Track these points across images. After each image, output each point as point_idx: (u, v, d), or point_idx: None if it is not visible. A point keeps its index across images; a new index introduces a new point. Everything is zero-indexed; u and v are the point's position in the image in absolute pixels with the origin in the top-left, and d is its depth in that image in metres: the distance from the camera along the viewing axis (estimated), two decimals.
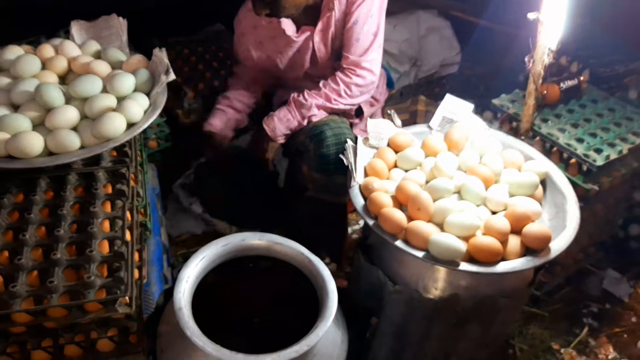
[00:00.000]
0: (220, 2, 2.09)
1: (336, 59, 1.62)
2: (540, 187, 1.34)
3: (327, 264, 1.76)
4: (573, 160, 1.49)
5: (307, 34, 1.59)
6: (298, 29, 1.60)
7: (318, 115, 1.56)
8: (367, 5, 1.53)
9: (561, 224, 1.25)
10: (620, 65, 1.95)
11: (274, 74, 1.72)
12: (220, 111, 1.72)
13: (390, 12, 2.47)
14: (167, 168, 1.99)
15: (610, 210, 1.71)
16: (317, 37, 1.59)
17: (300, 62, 1.64)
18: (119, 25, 1.55)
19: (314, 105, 1.55)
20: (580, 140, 1.50)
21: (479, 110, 1.81)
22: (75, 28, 1.53)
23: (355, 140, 1.42)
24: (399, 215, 1.19)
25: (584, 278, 1.88)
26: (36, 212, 1.13)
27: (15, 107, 1.27)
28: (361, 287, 1.36)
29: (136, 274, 1.23)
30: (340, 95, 1.56)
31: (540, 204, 1.33)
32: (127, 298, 1.04)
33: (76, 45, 1.46)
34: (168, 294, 1.25)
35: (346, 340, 1.18)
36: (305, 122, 1.57)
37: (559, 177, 1.35)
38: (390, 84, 2.31)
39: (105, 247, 1.11)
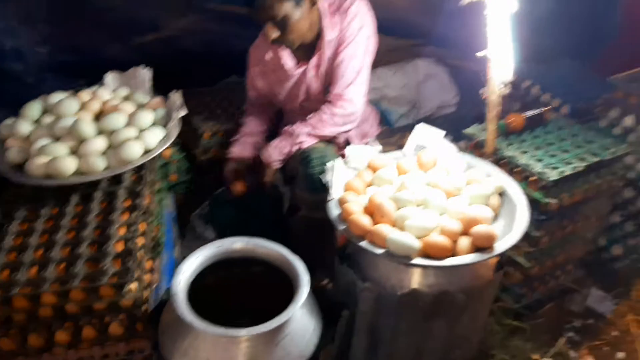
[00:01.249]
0: (235, 58, 2.44)
1: (326, 93, 1.90)
2: (497, 199, 1.52)
3: (325, 284, 1.97)
4: (533, 178, 1.66)
5: (303, 68, 1.88)
6: (296, 64, 1.89)
7: (307, 141, 1.81)
8: (353, 48, 1.81)
9: (511, 229, 1.41)
10: (596, 98, 2.13)
11: (276, 104, 2.01)
12: (238, 140, 2.01)
13: (390, 61, 2.78)
14: (186, 200, 2.27)
15: (584, 228, 1.84)
16: (310, 73, 1.87)
17: (296, 93, 1.92)
18: (144, 74, 1.88)
19: (303, 133, 1.80)
20: (539, 160, 1.68)
21: (460, 141, 2.03)
22: (109, 77, 1.87)
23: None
24: (365, 220, 1.39)
25: (567, 295, 1.98)
26: (67, 220, 1.41)
27: (56, 139, 1.58)
28: (339, 287, 1.55)
29: (148, 278, 1.48)
30: (324, 123, 1.81)
31: (498, 213, 1.51)
32: (133, 286, 1.27)
33: (109, 91, 1.79)
34: None
35: (319, 329, 1.37)
36: (295, 148, 1.81)
37: (513, 190, 1.52)
38: (388, 123, 2.56)
39: (120, 247, 1.36)
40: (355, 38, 1.79)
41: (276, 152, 1.83)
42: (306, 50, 1.86)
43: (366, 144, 2.08)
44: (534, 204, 1.66)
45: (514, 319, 1.88)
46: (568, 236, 1.81)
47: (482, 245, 1.34)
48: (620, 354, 1.81)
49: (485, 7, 1.52)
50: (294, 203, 1.88)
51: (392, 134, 2.39)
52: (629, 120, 1.88)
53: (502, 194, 1.55)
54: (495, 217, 1.49)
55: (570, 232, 1.79)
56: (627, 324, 1.89)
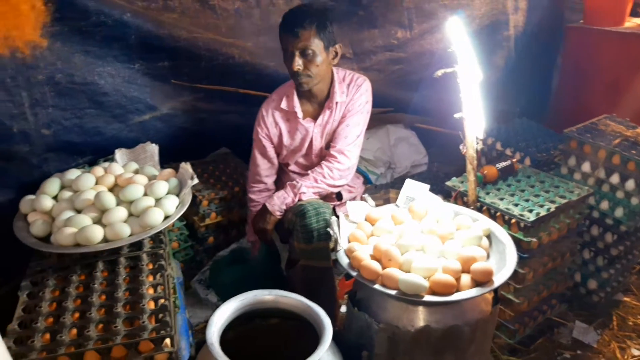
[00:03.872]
0: (225, 132, 2.64)
1: (325, 149, 2.13)
2: (485, 240, 1.71)
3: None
4: (513, 221, 1.87)
5: (311, 124, 2.10)
6: (303, 118, 2.11)
7: (307, 193, 2.00)
8: (358, 117, 2.10)
9: (503, 265, 1.59)
10: (553, 149, 2.43)
11: (279, 154, 2.20)
12: (254, 208, 2.17)
13: None
14: (186, 266, 2.35)
15: (559, 263, 2.05)
16: (316, 129, 2.10)
17: (300, 146, 2.14)
18: (152, 149, 2.02)
19: (304, 186, 2.00)
20: (516, 205, 1.90)
21: (438, 194, 2.25)
22: (119, 154, 2.00)
23: (334, 216, 1.82)
24: (375, 265, 1.55)
25: (554, 329, 2.15)
26: (97, 284, 1.49)
27: (78, 211, 1.67)
28: (353, 331, 1.66)
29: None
30: (324, 177, 2.03)
31: (488, 253, 1.69)
32: (168, 341, 1.35)
33: (119, 166, 1.91)
34: (197, 348, 1.55)
35: None
36: (296, 199, 1.99)
37: (500, 232, 1.72)
38: (369, 182, 2.77)
39: (152, 305, 1.44)
40: (362, 109, 2.10)
41: (279, 201, 2.00)
42: (313, 109, 2.12)
43: (355, 197, 2.28)
44: (516, 244, 1.86)
45: (510, 355, 2.02)
46: (549, 272, 2.01)
47: (481, 280, 1.51)
48: None
49: (456, 77, 1.78)
50: (292, 255, 2.02)
51: (377, 190, 2.60)
52: (586, 167, 2.16)
53: (488, 235, 1.74)
54: (487, 257, 1.68)
55: (550, 268, 1.99)
56: (612, 352, 2.07)
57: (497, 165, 2.06)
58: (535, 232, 1.86)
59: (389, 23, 2.93)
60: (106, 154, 2.23)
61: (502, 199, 1.95)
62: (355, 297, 1.71)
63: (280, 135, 2.16)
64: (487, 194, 2.00)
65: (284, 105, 2.11)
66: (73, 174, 1.82)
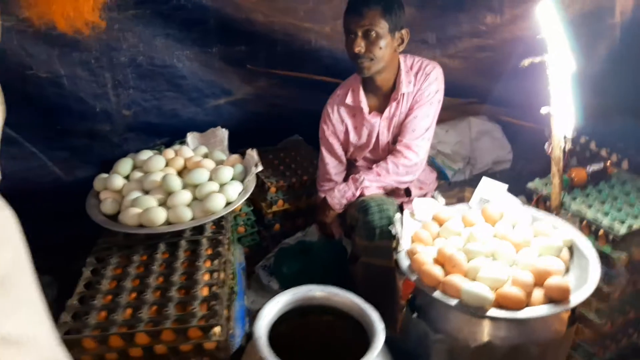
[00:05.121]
0: (298, 119, 2.60)
1: (392, 143, 2.02)
2: (566, 251, 1.54)
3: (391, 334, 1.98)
4: (601, 232, 1.67)
5: (377, 118, 2.00)
6: (369, 113, 2.02)
7: (370, 188, 1.91)
8: (427, 108, 1.96)
9: (584, 282, 1.42)
10: None
11: (346, 151, 2.12)
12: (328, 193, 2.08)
13: (443, 119, 2.88)
14: (252, 252, 2.37)
15: None
16: (383, 123, 2.00)
17: (367, 142, 2.04)
18: (222, 134, 2.04)
19: (366, 180, 1.92)
20: (606, 214, 1.69)
21: (520, 195, 2.07)
22: (190, 137, 2.03)
23: (399, 212, 1.73)
24: (437, 271, 1.44)
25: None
26: (156, 266, 1.52)
27: (146, 192, 1.72)
28: (410, 338, 1.57)
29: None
30: (388, 172, 1.93)
31: (568, 267, 1.52)
32: (218, 329, 1.35)
33: (190, 149, 1.94)
34: (249, 339, 1.54)
35: None
36: (358, 193, 1.92)
37: (583, 244, 1.54)
38: (445, 178, 2.63)
39: (206, 292, 1.45)
40: (431, 99, 1.95)
41: (340, 194, 1.95)
42: (379, 102, 2.01)
43: (425, 194, 2.15)
44: (603, 258, 1.66)
45: None
46: (638, 292, 1.78)
47: (555, 297, 1.36)
48: None
49: (546, 67, 1.61)
50: (354, 251, 1.95)
51: (450, 188, 2.45)
52: None
53: (570, 247, 1.57)
54: (566, 271, 1.51)
55: None
56: None
57: (588, 168, 1.85)
58: (625, 246, 1.65)
59: (477, 7, 2.72)
60: (182, 136, 2.28)
61: (590, 207, 1.75)
62: (415, 301, 1.61)
63: (346, 132, 2.08)
64: (574, 199, 1.80)
65: (349, 100, 2.02)
66: (145, 154, 1.88)
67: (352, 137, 2.07)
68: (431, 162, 2.63)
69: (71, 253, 1.91)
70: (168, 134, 2.32)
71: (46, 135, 2.07)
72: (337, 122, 2.07)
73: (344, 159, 2.14)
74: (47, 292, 1.91)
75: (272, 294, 2.31)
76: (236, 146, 2.46)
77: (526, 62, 1.60)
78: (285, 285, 2.27)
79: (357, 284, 2.01)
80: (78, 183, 2.10)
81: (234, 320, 1.79)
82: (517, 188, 2.15)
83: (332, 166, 2.12)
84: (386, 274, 1.91)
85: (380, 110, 2.02)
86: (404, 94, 1.96)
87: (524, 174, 2.84)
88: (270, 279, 2.33)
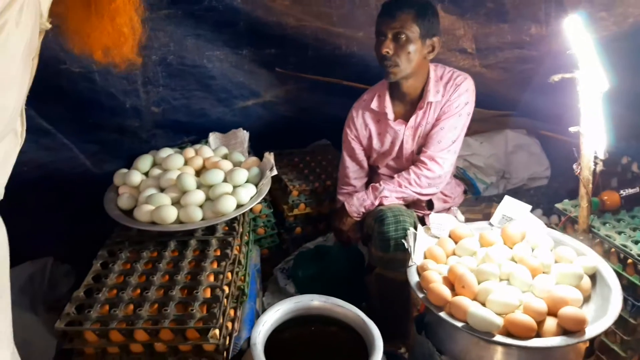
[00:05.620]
0: (326, 123, 2.58)
1: (417, 153, 1.97)
2: (588, 280, 1.44)
3: (402, 353, 1.93)
4: (630, 261, 1.56)
5: (402, 126, 1.95)
6: (394, 120, 1.97)
7: (389, 198, 1.86)
8: (455, 120, 1.89)
9: (604, 313, 1.33)
10: None
11: (369, 157, 2.09)
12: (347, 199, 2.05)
13: (478, 131, 2.79)
14: (271, 253, 2.36)
15: None
16: (407, 132, 1.95)
17: (390, 149, 2.00)
18: (243, 136, 2.04)
19: (386, 189, 1.87)
20: (636, 242, 1.58)
21: (553, 215, 1.97)
22: (212, 137, 2.05)
23: (414, 226, 1.67)
24: (445, 290, 1.38)
25: None
26: (164, 264, 1.53)
27: (162, 190, 1.74)
28: (415, 357, 1.52)
29: (229, 325, 1.55)
30: (410, 183, 1.87)
31: (590, 296, 1.43)
32: (217, 332, 1.34)
33: (210, 149, 1.96)
34: None
35: None
36: (377, 202, 1.87)
37: (608, 272, 1.45)
38: (476, 191, 2.53)
39: (208, 293, 1.45)
40: (460, 111, 1.88)
41: (358, 202, 1.91)
42: (406, 110, 1.96)
43: (449, 208, 2.08)
44: (631, 288, 1.56)
45: None
46: None
47: (570, 328, 1.28)
48: None
49: (577, 84, 1.52)
50: (370, 261, 1.91)
51: (477, 202, 2.36)
52: None
53: (594, 275, 1.47)
54: (587, 300, 1.42)
55: None
56: None
57: (621, 192, 1.73)
58: None
59: (522, 17, 2.61)
60: None
61: (620, 233, 1.64)
62: (423, 318, 1.56)
63: (370, 138, 2.04)
64: (604, 224, 1.70)
65: (374, 105, 1.98)
66: (165, 152, 1.90)
67: (375, 143, 2.03)
68: (462, 175, 2.55)
69: (93, 244, 1.97)
70: (195, 133, 2.35)
71: (78, 128, 2.13)
72: (360, 126, 2.03)
73: (365, 164, 2.10)
74: (65, 281, 1.97)
75: (288, 297, 2.30)
76: (264, 148, 2.46)
77: (556, 77, 1.52)
78: (300, 289, 2.26)
79: (371, 294, 1.97)
80: (106, 176, 2.15)
81: (242, 322, 1.79)
82: (550, 207, 2.05)
83: (352, 170, 2.09)
84: (400, 288, 1.85)
85: (406, 118, 1.97)
86: (431, 103, 1.90)
87: (561, 192, 2.71)
88: (287, 282, 2.32)
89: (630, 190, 1.74)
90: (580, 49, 1.45)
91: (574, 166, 1.60)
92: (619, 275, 1.54)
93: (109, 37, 1.28)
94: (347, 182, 2.11)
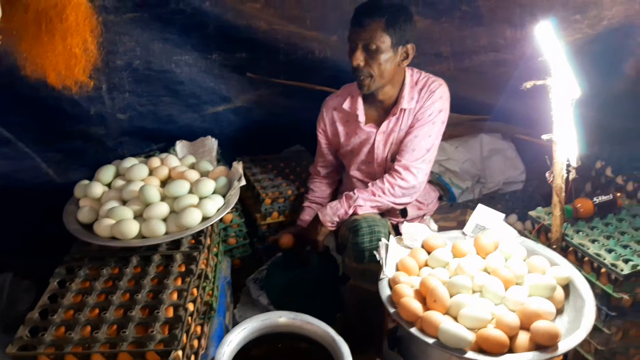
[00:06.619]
0: (300, 128, 2.53)
1: (390, 160, 1.93)
2: (561, 291, 1.42)
3: None
4: (603, 270, 1.54)
5: (373, 130, 1.92)
6: (365, 123, 1.94)
7: (364, 207, 1.82)
8: (429, 127, 1.85)
9: (577, 326, 1.30)
10: None
11: (337, 150, 2.09)
12: (307, 207, 2.12)
13: (453, 135, 2.76)
14: (243, 264, 2.30)
15: None
16: (379, 137, 1.91)
17: (359, 151, 1.97)
18: (211, 144, 1.98)
19: (360, 198, 1.82)
20: (610, 251, 1.56)
21: (526, 220, 1.95)
22: (179, 146, 1.98)
23: (388, 237, 1.62)
24: (416, 305, 1.34)
25: None
26: (125, 281, 1.46)
27: (124, 202, 1.67)
28: None
29: (196, 343, 1.49)
30: (384, 192, 1.83)
31: (563, 307, 1.40)
32: (179, 353, 1.28)
33: (177, 158, 1.89)
34: None
35: None
36: (351, 211, 1.83)
37: (581, 283, 1.42)
38: (452, 197, 2.51)
39: (170, 312, 1.38)
40: (434, 119, 1.85)
41: (332, 212, 1.86)
42: (378, 115, 1.93)
43: (423, 216, 2.04)
44: (604, 298, 1.54)
45: None
46: None
47: (542, 343, 1.25)
48: None
49: (549, 91, 1.49)
50: (344, 271, 1.87)
51: (452, 209, 2.34)
52: None
53: (567, 285, 1.45)
54: (560, 312, 1.39)
55: None
56: None
57: (595, 199, 1.71)
58: (629, 287, 1.52)
59: (497, 20, 2.60)
60: None
61: (594, 242, 1.62)
62: (396, 333, 1.52)
63: (336, 135, 2.04)
64: (577, 232, 1.68)
65: (346, 105, 1.95)
66: (129, 162, 1.83)
67: (343, 140, 2.02)
68: (437, 180, 2.52)
69: (57, 259, 1.89)
70: (164, 140, 2.28)
71: (40, 136, 2.05)
72: (328, 122, 2.05)
73: (329, 157, 2.14)
74: (25, 297, 1.88)
75: (261, 308, 2.24)
76: (236, 154, 2.40)
77: (528, 84, 1.49)
78: (274, 300, 2.20)
79: (346, 305, 1.92)
80: (71, 186, 2.06)
81: (210, 338, 1.73)
82: (524, 213, 2.03)
83: (321, 160, 2.15)
84: (375, 299, 1.81)
85: (378, 122, 1.93)
86: (404, 109, 1.86)
87: (536, 197, 2.71)
88: (260, 293, 2.25)
89: (604, 198, 1.72)
90: (552, 56, 1.42)
91: (547, 174, 1.57)
92: (593, 284, 1.52)
93: (59, 58, 1.21)
94: (315, 170, 2.18)
